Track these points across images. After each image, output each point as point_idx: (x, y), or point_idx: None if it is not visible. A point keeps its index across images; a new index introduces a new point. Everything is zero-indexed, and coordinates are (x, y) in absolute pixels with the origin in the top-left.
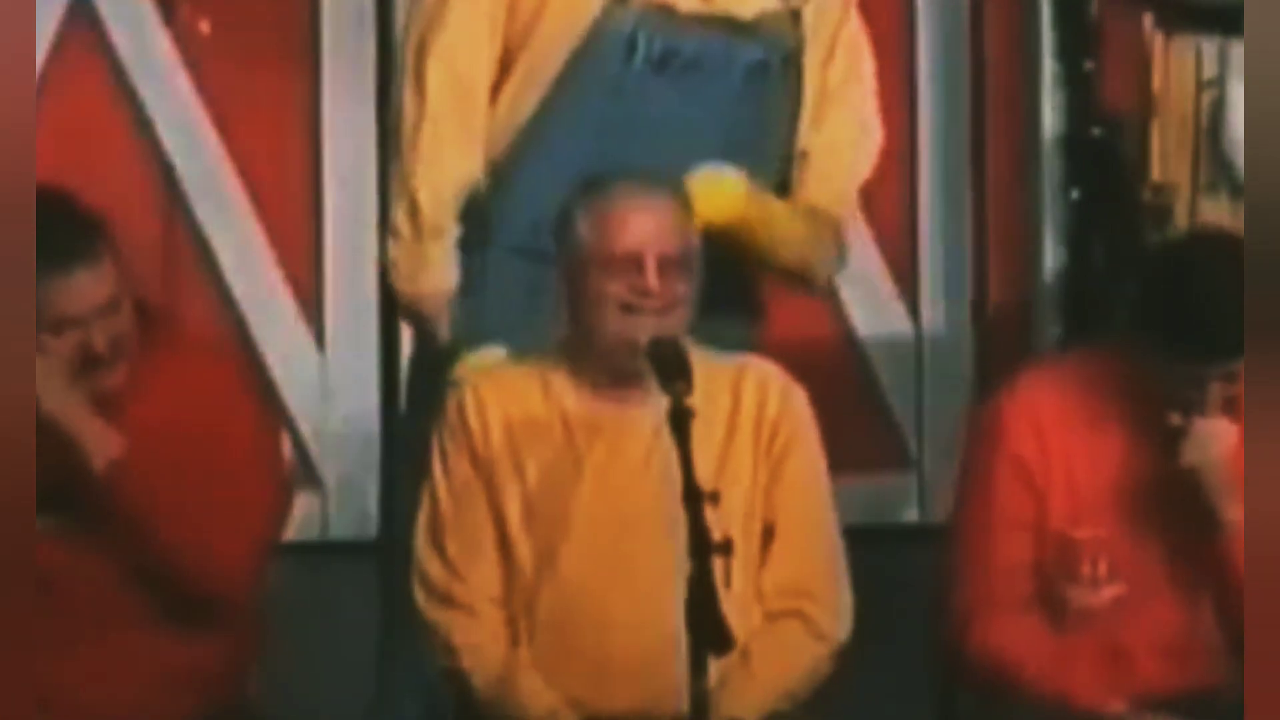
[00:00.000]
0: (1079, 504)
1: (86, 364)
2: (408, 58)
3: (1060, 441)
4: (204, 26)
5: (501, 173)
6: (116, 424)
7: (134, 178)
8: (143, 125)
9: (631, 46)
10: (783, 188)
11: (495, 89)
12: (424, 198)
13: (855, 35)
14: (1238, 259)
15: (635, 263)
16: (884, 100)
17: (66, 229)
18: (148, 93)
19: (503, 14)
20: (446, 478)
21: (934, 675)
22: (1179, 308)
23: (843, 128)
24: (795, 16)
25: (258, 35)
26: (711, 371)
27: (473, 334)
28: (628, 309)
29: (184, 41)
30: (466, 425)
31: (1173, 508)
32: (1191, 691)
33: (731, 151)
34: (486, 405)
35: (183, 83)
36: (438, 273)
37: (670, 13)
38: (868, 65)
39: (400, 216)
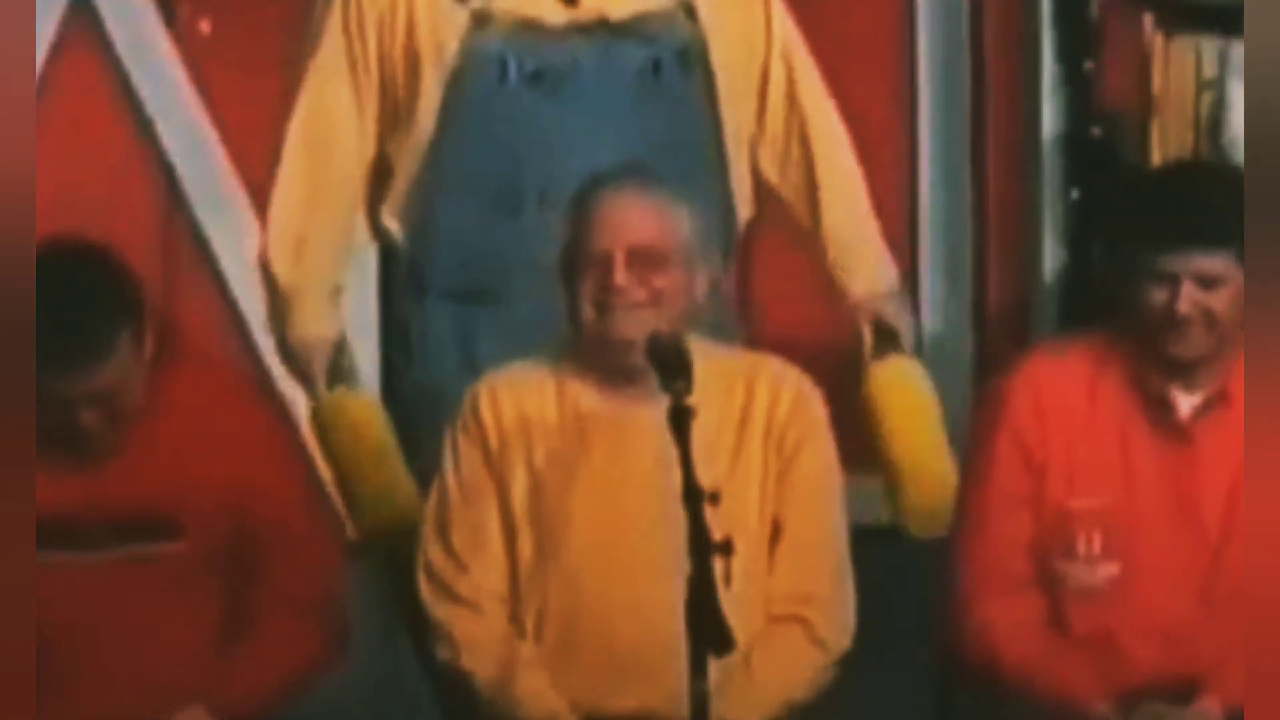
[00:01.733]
0: (1076, 476)
1: (64, 435)
2: None
3: (1060, 416)
4: (204, 26)
5: (416, 219)
6: (91, 476)
7: (134, 178)
8: (143, 125)
9: (502, 68)
10: (715, 184)
11: (391, 139)
12: (272, 257)
13: (785, 26)
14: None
15: (605, 259)
16: (884, 101)
17: (85, 316)
18: (148, 93)
19: (373, 63)
20: (456, 472)
21: (933, 676)
22: (1154, 205)
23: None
24: (689, 10)
25: (258, 35)
26: (724, 368)
27: (416, 385)
28: (600, 306)
29: (184, 41)
30: (480, 420)
31: (1168, 486)
32: (1179, 677)
33: (643, 153)
34: (500, 401)
35: (183, 83)
36: (303, 325)
37: (537, 27)
38: (805, 60)
39: (260, 274)
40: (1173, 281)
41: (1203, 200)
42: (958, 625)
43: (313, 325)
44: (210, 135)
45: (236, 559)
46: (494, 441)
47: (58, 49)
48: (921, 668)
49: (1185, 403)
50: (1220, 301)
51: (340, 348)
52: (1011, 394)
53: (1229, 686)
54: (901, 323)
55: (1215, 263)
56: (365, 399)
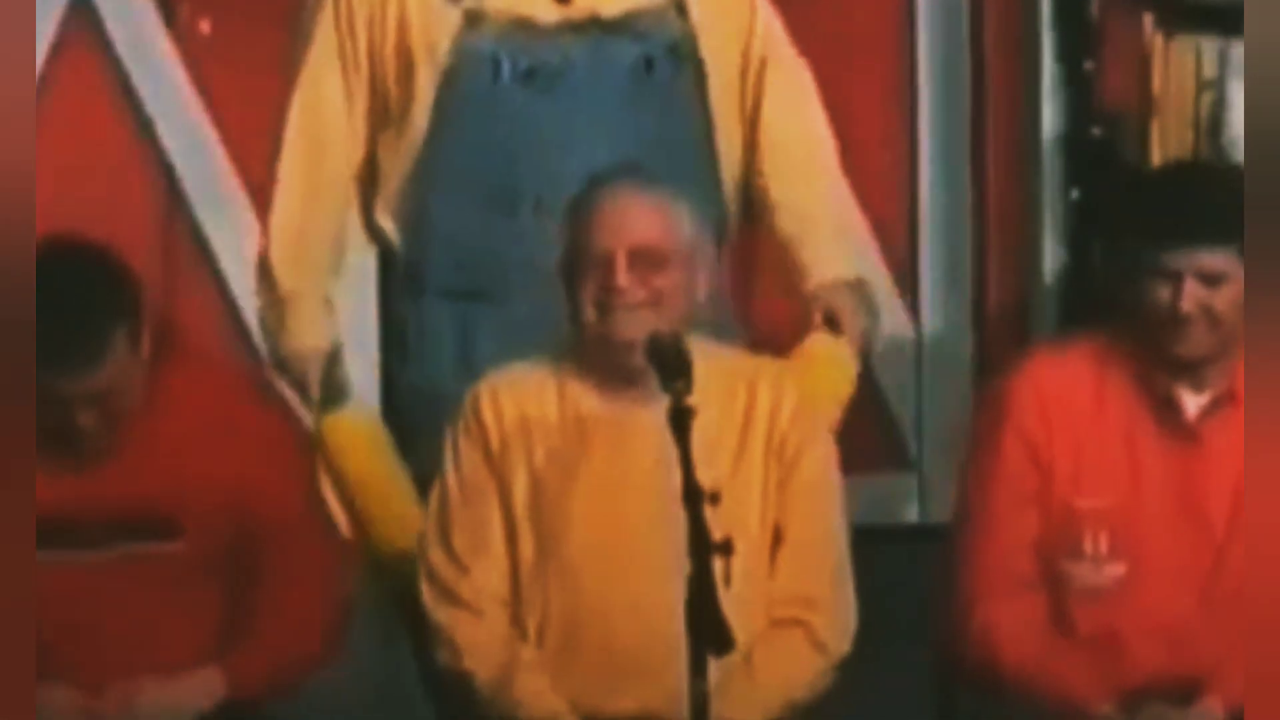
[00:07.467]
0: (1082, 476)
1: (61, 435)
2: None
3: (1065, 416)
4: (204, 26)
5: (411, 219)
6: (89, 475)
7: (134, 178)
8: (143, 125)
9: (495, 67)
10: (709, 182)
11: (380, 139)
12: (275, 259)
13: (769, 26)
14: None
15: (606, 259)
16: (884, 100)
17: (82, 315)
18: (148, 93)
19: (363, 61)
20: (457, 473)
21: (934, 675)
22: (1156, 203)
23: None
24: (680, 7)
25: (258, 35)
26: (726, 368)
27: (413, 387)
28: (601, 307)
29: (184, 41)
30: (481, 421)
31: (1175, 487)
32: (1182, 678)
33: (637, 151)
34: (501, 402)
35: (183, 83)
36: (300, 333)
37: (530, 26)
38: (792, 60)
39: (259, 278)
40: (1175, 279)
41: (1204, 197)
42: (960, 624)
43: (309, 334)
44: (210, 135)
45: (236, 559)
46: (495, 443)
47: (58, 49)
48: (921, 668)
49: (1192, 403)
50: (1222, 300)
51: (335, 359)
52: (1016, 393)
53: (1231, 688)
54: (848, 314)
55: (1217, 259)
56: (366, 422)
